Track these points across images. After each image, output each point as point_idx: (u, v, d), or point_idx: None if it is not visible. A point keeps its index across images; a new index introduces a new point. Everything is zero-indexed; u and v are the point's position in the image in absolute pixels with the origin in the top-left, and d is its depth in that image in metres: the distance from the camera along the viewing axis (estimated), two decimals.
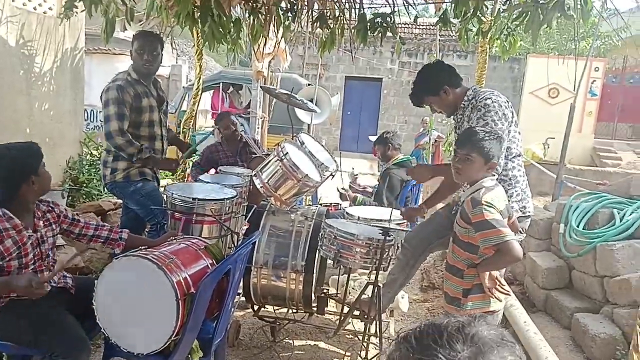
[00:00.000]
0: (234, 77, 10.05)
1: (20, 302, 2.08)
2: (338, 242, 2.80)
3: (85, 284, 2.37)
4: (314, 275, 3.15)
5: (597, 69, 11.68)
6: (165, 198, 3.08)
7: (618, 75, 14.14)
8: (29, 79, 4.54)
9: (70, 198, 4.94)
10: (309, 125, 6.75)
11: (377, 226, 2.79)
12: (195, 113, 6.64)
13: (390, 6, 3.84)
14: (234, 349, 3.22)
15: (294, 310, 3.30)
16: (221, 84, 9.79)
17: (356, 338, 3.36)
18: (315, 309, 3.26)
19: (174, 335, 1.98)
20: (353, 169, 6.51)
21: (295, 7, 4.11)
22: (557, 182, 6.33)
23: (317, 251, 3.04)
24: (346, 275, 3.35)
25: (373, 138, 5.89)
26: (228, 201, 2.99)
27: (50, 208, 2.36)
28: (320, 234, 2.98)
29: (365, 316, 2.97)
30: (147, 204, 3.35)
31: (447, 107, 2.83)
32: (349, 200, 4.51)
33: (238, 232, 3.22)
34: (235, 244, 2.98)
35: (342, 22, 4.18)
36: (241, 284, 3.01)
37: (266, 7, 4.00)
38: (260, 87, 6.09)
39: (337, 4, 4.22)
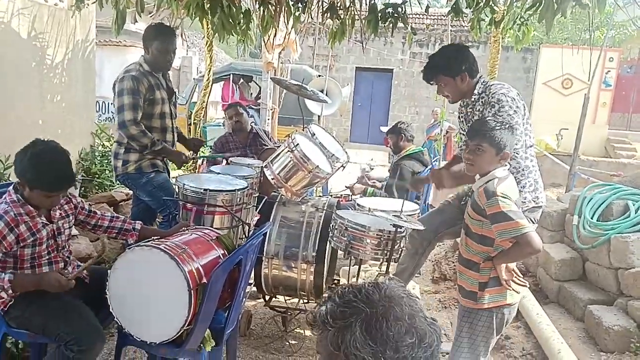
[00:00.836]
0: (244, 68, 10.07)
1: (35, 292, 2.10)
2: (349, 233, 2.79)
3: (99, 273, 2.40)
4: (325, 266, 3.16)
5: (611, 59, 11.51)
6: (176, 189, 3.09)
7: (633, 66, 13.94)
8: (40, 71, 4.57)
9: (82, 189, 4.99)
10: (319, 116, 6.74)
11: (389, 219, 2.77)
12: (206, 104, 6.64)
13: None
14: (245, 339, 3.24)
15: (305, 301, 3.32)
16: (231, 75, 9.81)
17: None
18: None
19: (186, 325, 2.00)
20: (372, 159, 6.47)
21: None
22: (570, 174, 6.27)
23: (328, 242, 3.04)
24: (357, 267, 3.36)
25: (385, 129, 5.88)
26: (239, 192, 2.99)
27: (68, 199, 2.37)
28: (331, 225, 2.98)
29: None
30: (159, 195, 3.36)
31: (456, 93, 2.76)
32: (354, 193, 4.51)
33: (249, 223, 3.23)
34: (247, 235, 2.99)
35: (353, 12, 4.14)
36: (252, 274, 3.03)
37: None
38: (271, 78, 6.07)
39: None
